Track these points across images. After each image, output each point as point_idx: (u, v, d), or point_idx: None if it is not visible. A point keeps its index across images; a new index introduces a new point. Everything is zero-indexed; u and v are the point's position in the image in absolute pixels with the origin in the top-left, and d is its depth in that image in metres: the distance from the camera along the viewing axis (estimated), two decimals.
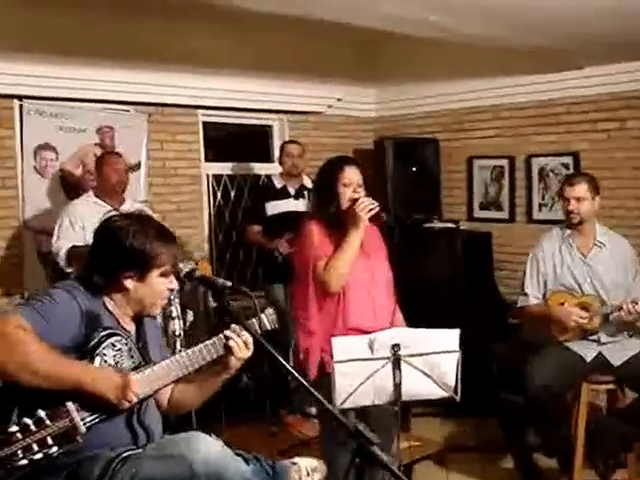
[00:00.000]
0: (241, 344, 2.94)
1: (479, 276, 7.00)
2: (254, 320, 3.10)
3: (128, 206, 5.73)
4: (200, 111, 7.12)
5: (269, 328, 3.16)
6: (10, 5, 5.41)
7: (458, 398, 3.64)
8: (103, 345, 2.77)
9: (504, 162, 7.19)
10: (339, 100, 7.69)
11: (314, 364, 3.90)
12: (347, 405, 3.62)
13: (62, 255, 5.43)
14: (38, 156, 6.34)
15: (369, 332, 3.66)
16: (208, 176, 7.35)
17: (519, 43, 5.60)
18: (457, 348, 3.61)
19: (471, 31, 5.19)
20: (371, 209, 3.85)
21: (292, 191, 6.53)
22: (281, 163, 6.62)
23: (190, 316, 5.20)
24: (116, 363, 2.80)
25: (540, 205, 7.00)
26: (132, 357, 2.87)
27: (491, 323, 6.63)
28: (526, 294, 4.79)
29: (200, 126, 7.18)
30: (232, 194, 7.56)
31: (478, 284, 6.93)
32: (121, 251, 2.85)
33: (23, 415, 2.58)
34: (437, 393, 3.68)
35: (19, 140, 6.28)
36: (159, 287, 2.91)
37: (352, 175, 3.98)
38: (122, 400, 2.66)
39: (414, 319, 4.31)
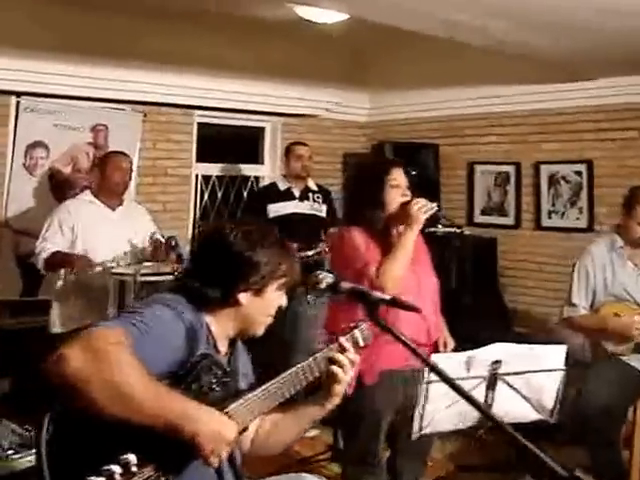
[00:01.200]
0: (347, 365, 2.56)
1: (483, 283, 6.77)
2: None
3: (125, 208, 5.38)
4: (196, 112, 6.79)
5: (361, 345, 2.72)
6: (11, 1, 5.21)
7: (553, 420, 3.35)
8: (199, 368, 2.34)
9: (510, 168, 6.96)
10: (337, 104, 7.38)
11: (354, 378, 3.46)
12: (426, 431, 3.30)
13: (42, 258, 5.05)
14: (29, 154, 5.98)
15: (419, 344, 3.29)
16: (197, 176, 7.02)
17: (555, 52, 5.42)
18: (562, 366, 3.31)
19: (519, 39, 4.98)
20: (427, 210, 3.60)
21: (297, 193, 6.23)
22: (287, 165, 6.30)
23: None
24: (210, 389, 2.35)
25: (550, 212, 6.76)
26: (225, 385, 2.42)
27: (496, 332, 6.38)
28: (574, 304, 4.48)
29: (195, 127, 6.85)
30: (219, 195, 7.22)
31: (482, 291, 6.70)
32: (241, 262, 2.47)
33: (98, 457, 2.04)
34: (529, 416, 3.35)
35: (12, 137, 5.89)
36: (273, 302, 2.55)
37: (400, 177, 3.74)
38: (216, 456, 2.18)
39: None
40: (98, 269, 4.96)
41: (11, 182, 5.86)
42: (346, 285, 2.64)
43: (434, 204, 3.67)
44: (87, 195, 5.37)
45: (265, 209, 6.09)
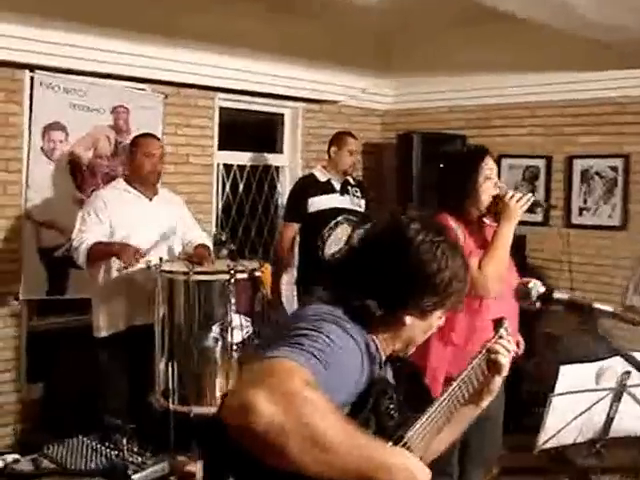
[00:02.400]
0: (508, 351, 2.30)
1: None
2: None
3: (162, 197, 4.87)
4: (218, 95, 6.23)
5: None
6: None
7: None
8: (376, 393, 1.95)
9: (540, 162, 6.58)
10: (362, 90, 6.92)
11: (440, 387, 3.29)
12: (548, 445, 3.10)
13: (83, 250, 4.49)
14: (47, 136, 5.34)
15: None
16: (219, 166, 6.45)
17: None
18: None
19: (599, 17, 4.60)
20: (525, 202, 3.48)
21: (337, 186, 5.76)
22: (334, 157, 5.79)
23: (250, 325, 4.39)
24: (390, 416, 1.97)
25: (581, 209, 6.40)
26: (399, 408, 2.03)
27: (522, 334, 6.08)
28: None
29: (217, 111, 6.28)
30: (241, 186, 6.68)
31: None
32: (423, 280, 2.03)
33: None
34: None
35: (27, 117, 5.26)
36: (434, 323, 2.14)
37: (493, 167, 3.61)
38: None
39: None
40: (148, 260, 4.46)
41: (30, 168, 5.27)
42: (562, 295, 2.29)
43: (530, 195, 3.54)
44: (121, 183, 4.85)
45: (306, 203, 5.65)
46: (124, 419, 4.59)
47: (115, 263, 4.51)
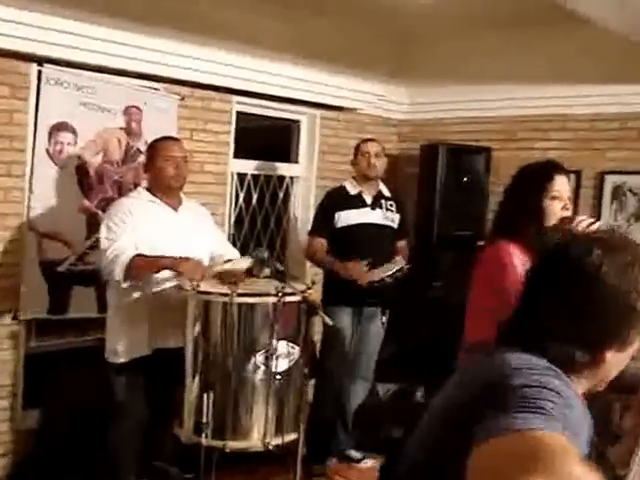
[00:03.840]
0: None
1: None
2: None
3: (187, 208, 4.26)
4: (235, 98, 5.60)
5: None
6: None
7: None
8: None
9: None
10: (380, 97, 6.35)
11: None
12: None
13: (122, 262, 3.83)
14: (53, 137, 4.68)
15: None
16: (233, 175, 5.81)
17: None
18: None
19: None
20: (596, 229, 2.97)
21: (368, 199, 5.19)
22: (354, 164, 5.27)
23: (297, 352, 3.80)
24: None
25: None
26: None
27: None
28: None
29: (233, 115, 5.64)
30: (254, 197, 6.05)
31: None
32: (625, 313, 1.63)
33: None
34: None
35: (33, 116, 4.60)
36: (631, 353, 1.72)
37: (563, 187, 3.25)
38: None
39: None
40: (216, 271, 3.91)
41: (34, 173, 4.60)
42: None
43: (599, 222, 3.23)
44: (143, 193, 4.21)
45: (334, 216, 5.08)
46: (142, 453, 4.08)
47: (163, 281, 3.89)
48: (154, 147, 4.22)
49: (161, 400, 4.07)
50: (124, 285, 3.91)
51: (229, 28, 5.20)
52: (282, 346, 3.75)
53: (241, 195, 5.92)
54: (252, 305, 3.77)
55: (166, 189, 4.16)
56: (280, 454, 3.92)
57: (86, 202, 4.81)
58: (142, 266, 3.87)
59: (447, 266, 5.81)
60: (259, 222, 6.08)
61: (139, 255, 3.88)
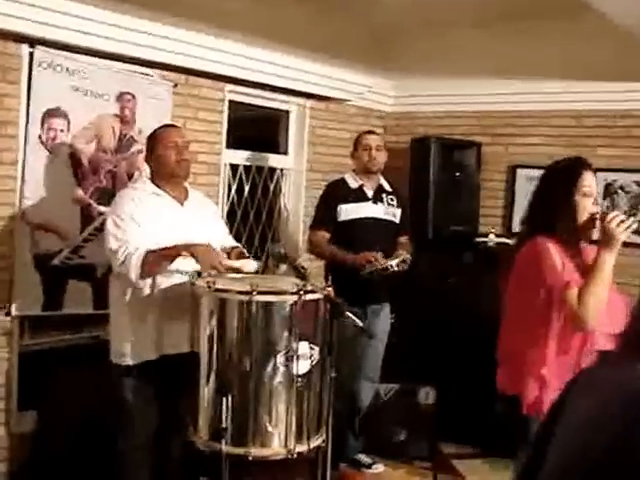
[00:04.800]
0: None
1: None
2: None
3: (194, 201, 4.00)
4: (228, 86, 5.34)
5: None
6: None
7: None
8: None
9: None
10: (370, 88, 6.15)
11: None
12: None
13: (135, 263, 3.53)
14: (46, 124, 4.37)
15: None
16: (226, 166, 5.54)
17: None
18: None
19: None
20: (628, 226, 3.02)
21: (370, 193, 4.98)
22: (355, 158, 5.06)
23: (316, 353, 3.55)
24: None
25: None
26: None
27: None
28: None
29: (226, 104, 5.38)
30: (247, 189, 5.80)
31: None
32: None
33: None
34: None
35: (25, 100, 4.28)
36: None
37: (592, 183, 3.20)
38: None
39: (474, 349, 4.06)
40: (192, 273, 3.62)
41: (26, 161, 4.30)
42: None
43: (635, 218, 3.08)
44: (147, 184, 3.90)
45: (337, 210, 4.87)
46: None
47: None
48: (154, 136, 3.94)
49: (171, 405, 3.81)
50: (140, 284, 3.63)
51: (224, 15, 4.89)
52: (303, 347, 3.51)
53: (233, 186, 5.64)
54: (272, 303, 3.51)
55: (170, 177, 3.88)
56: (298, 460, 3.68)
57: (80, 192, 4.52)
58: (156, 260, 3.59)
59: (449, 263, 5.63)
60: (251, 214, 5.82)
61: (151, 251, 3.59)
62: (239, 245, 4.15)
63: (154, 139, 3.93)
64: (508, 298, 3.28)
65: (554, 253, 3.07)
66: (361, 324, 3.58)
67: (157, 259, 3.59)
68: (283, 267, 3.70)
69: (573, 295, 3.00)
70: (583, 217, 3.15)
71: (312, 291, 3.52)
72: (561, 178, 3.22)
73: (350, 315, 3.46)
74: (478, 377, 5.15)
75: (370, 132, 5.17)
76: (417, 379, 5.49)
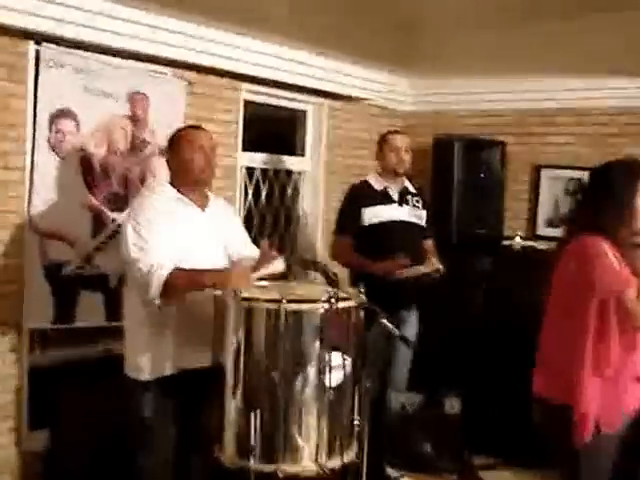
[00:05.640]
0: None
1: None
2: None
3: (215, 207, 3.71)
4: (244, 85, 5.10)
5: None
6: None
7: None
8: None
9: (585, 175, 5.66)
10: (389, 88, 5.91)
11: (591, 428, 2.97)
12: None
13: (160, 280, 3.23)
14: (55, 126, 4.10)
15: None
16: (242, 169, 5.30)
17: None
18: None
19: None
20: None
21: (395, 195, 4.73)
22: (381, 159, 4.80)
23: (349, 364, 3.26)
24: None
25: None
26: None
27: None
28: None
29: (241, 104, 5.12)
30: (263, 192, 5.55)
31: None
32: None
33: None
34: None
35: (32, 102, 4.01)
36: None
37: None
38: None
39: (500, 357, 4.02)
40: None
41: (34, 165, 4.03)
42: None
43: None
44: (168, 189, 3.59)
45: (360, 214, 4.61)
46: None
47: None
48: (181, 136, 3.63)
49: (192, 421, 3.54)
50: (157, 303, 3.35)
51: (241, 12, 4.66)
52: (336, 357, 3.23)
53: (250, 190, 5.38)
54: (302, 312, 3.23)
55: (194, 184, 3.58)
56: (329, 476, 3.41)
57: (91, 198, 4.25)
58: (183, 285, 3.31)
59: (474, 267, 5.38)
60: (269, 219, 5.57)
61: (180, 270, 3.30)
62: None
63: (179, 140, 3.62)
64: (553, 300, 3.18)
65: (609, 252, 2.98)
66: (398, 332, 3.31)
67: (185, 285, 3.32)
68: (312, 274, 3.41)
69: (633, 293, 2.95)
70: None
71: (345, 298, 3.25)
72: (622, 180, 3.10)
73: (387, 323, 3.19)
74: (504, 386, 4.98)
75: (396, 132, 4.95)
76: (442, 388, 5.26)
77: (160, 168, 4.46)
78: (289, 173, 5.74)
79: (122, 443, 3.71)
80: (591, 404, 2.98)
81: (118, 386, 3.62)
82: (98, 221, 4.28)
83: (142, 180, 4.47)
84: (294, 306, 3.19)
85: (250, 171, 5.43)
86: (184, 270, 3.29)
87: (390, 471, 4.79)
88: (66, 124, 4.14)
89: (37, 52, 3.99)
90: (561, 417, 3.01)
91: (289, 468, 3.19)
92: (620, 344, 3.02)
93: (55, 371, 4.21)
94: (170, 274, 3.23)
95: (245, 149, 5.29)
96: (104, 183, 4.32)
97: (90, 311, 4.23)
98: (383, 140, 4.82)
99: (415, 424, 5.06)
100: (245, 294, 3.23)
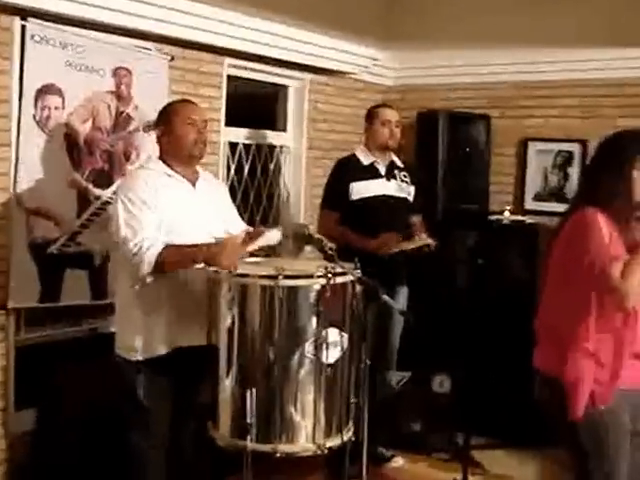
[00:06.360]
0: None
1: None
2: None
3: (205, 183, 3.93)
4: (227, 60, 5.31)
5: None
6: None
7: None
8: None
9: (574, 147, 5.98)
10: (374, 62, 6.13)
11: (583, 400, 3.04)
12: None
13: (149, 258, 3.44)
14: (40, 101, 4.29)
15: None
16: (225, 144, 5.53)
17: None
18: None
19: None
20: None
21: (382, 170, 4.97)
22: (370, 133, 5.04)
23: (346, 340, 3.49)
24: None
25: None
26: None
27: None
28: None
29: (224, 79, 5.34)
30: (246, 168, 5.78)
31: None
32: None
33: None
34: None
35: (17, 77, 4.20)
36: None
37: None
38: None
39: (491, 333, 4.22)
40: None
41: (20, 142, 4.22)
42: None
43: None
44: (159, 164, 3.80)
45: (348, 188, 4.85)
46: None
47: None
48: (173, 110, 3.82)
49: (187, 401, 3.79)
50: (149, 280, 3.56)
51: None
52: (333, 334, 3.45)
53: (232, 166, 5.62)
54: (298, 288, 3.45)
55: (185, 159, 3.78)
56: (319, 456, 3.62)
57: (76, 175, 4.45)
58: (175, 262, 3.52)
59: (462, 244, 5.64)
60: (252, 194, 5.81)
61: (171, 247, 3.51)
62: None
63: (170, 114, 3.80)
64: (551, 270, 3.28)
65: (603, 225, 3.04)
66: (399, 307, 3.52)
67: (177, 261, 3.52)
68: (307, 249, 3.64)
69: (617, 269, 2.95)
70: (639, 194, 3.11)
71: (342, 273, 3.44)
72: (617, 152, 3.18)
73: (386, 298, 3.38)
74: (495, 363, 5.22)
75: (387, 106, 5.18)
76: (430, 366, 5.48)
77: (144, 144, 4.69)
78: (272, 148, 5.96)
79: (113, 424, 3.92)
80: (580, 376, 3.06)
81: (108, 365, 3.83)
82: (83, 198, 4.48)
83: (126, 156, 4.66)
84: (290, 282, 3.39)
85: (233, 147, 5.64)
86: (175, 246, 3.51)
87: (381, 451, 5.02)
88: (52, 100, 4.33)
89: (23, 27, 4.17)
90: (556, 389, 3.12)
91: (286, 448, 3.40)
92: (608, 319, 3.08)
93: (42, 350, 4.40)
94: (161, 252, 3.45)
95: (228, 124, 5.49)
96: (88, 160, 4.51)
97: (75, 290, 4.43)
98: (373, 114, 5.04)
99: (404, 402, 5.28)
100: (239, 270, 3.43)
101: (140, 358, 3.68)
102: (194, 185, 3.83)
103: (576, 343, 3.09)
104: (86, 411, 4.23)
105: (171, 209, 3.65)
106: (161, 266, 3.46)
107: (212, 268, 3.48)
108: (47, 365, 4.37)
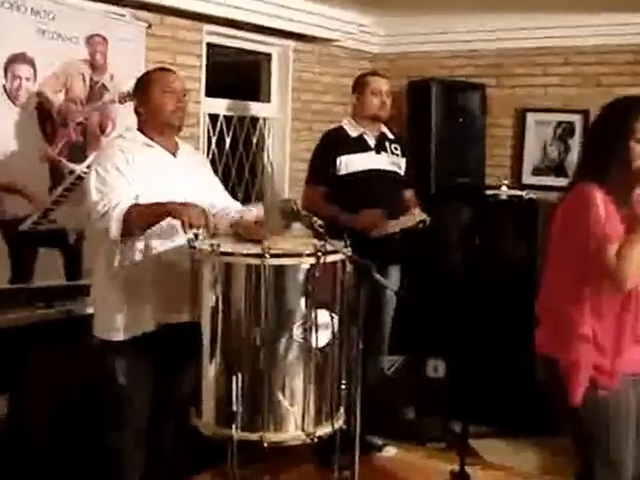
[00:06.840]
0: None
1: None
2: None
3: (186, 152, 3.92)
4: (206, 27, 5.27)
5: None
6: None
7: None
8: None
9: (574, 117, 5.97)
10: (361, 27, 6.08)
11: (582, 384, 3.03)
12: None
13: (116, 216, 3.43)
14: (10, 71, 4.25)
15: None
16: (205, 116, 5.49)
17: None
18: None
19: None
20: None
21: (372, 142, 4.93)
22: (359, 103, 4.97)
23: (336, 323, 3.44)
24: None
25: None
26: None
27: None
28: None
29: (204, 48, 5.32)
30: (227, 140, 5.76)
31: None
32: None
33: None
34: None
35: None
36: None
37: None
38: None
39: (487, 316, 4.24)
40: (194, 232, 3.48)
41: None
42: None
43: None
44: (138, 135, 3.78)
45: (335, 162, 4.81)
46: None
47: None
48: (150, 79, 3.80)
49: (170, 384, 3.77)
50: (123, 244, 3.56)
51: None
52: (323, 315, 3.41)
53: (213, 138, 5.59)
54: (286, 267, 3.41)
55: (165, 128, 3.76)
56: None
57: (49, 149, 4.41)
58: (139, 216, 3.49)
59: (457, 219, 5.62)
60: (233, 169, 5.78)
61: (136, 205, 3.50)
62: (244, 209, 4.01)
63: (148, 83, 3.78)
64: (550, 250, 3.26)
65: (600, 202, 2.99)
66: (394, 288, 3.49)
67: (140, 215, 3.49)
68: (296, 225, 3.60)
69: (612, 250, 2.93)
70: (637, 165, 3.07)
71: (333, 252, 3.40)
72: (615, 120, 3.13)
73: (379, 278, 3.34)
74: (492, 347, 5.21)
75: (376, 74, 5.13)
76: (424, 349, 5.47)
77: (120, 116, 4.64)
78: (254, 121, 5.92)
79: (89, 411, 3.89)
80: (577, 360, 3.05)
81: (84, 348, 3.81)
82: (56, 173, 4.45)
83: (102, 129, 4.62)
84: (277, 261, 3.33)
85: (213, 118, 5.59)
86: (141, 204, 3.51)
87: (373, 439, 5.00)
88: (22, 69, 4.29)
89: None
90: (556, 372, 3.11)
91: (274, 437, 3.35)
92: (606, 300, 3.07)
93: (13, 334, 4.35)
94: (128, 210, 3.44)
95: (208, 95, 5.45)
96: (62, 132, 4.48)
97: (49, 270, 4.41)
98: (363, 82, 4.97)
99: (397, 388, 5.27)
100: (223, 248, 3.38)
101: (122, 337, 3.66)
102: (175, 155, 3.81)
103: (573, 327, 3.08)
104: (60, 397, 4.19)
105: (150, 179, 3.65)
106: (129, 224, 3.45)
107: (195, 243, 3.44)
108: (19, 349, 4.32)
